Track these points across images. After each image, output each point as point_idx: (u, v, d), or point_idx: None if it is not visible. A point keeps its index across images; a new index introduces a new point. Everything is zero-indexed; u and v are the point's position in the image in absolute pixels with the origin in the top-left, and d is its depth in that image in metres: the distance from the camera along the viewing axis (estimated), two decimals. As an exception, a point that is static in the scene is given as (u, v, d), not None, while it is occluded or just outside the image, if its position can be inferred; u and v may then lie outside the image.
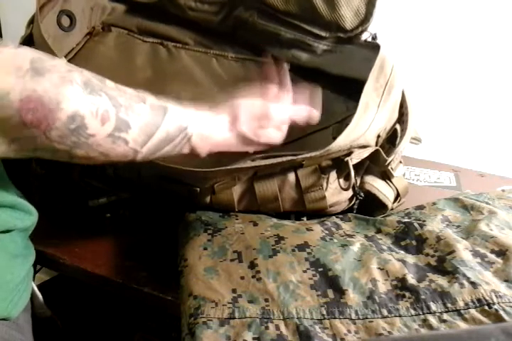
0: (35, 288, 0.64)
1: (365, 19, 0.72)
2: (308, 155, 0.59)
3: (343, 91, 0.78)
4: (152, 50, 0.87)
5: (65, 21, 0.79)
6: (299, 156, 0.59)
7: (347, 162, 0.63)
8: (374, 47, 0.67)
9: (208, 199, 0.65)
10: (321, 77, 0.79)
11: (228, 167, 0.59)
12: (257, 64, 0.84)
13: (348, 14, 0.72)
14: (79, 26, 0.81)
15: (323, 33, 0.75)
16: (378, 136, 0.65)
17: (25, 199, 0.58)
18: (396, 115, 0.68)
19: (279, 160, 0.60)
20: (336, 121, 0.75)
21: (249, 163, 0.61)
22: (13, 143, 0.44)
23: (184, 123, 0.51)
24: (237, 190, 0.65)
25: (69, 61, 0.78)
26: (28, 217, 0.58)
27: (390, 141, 0.68)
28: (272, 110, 0.58)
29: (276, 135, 0.60)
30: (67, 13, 0.78)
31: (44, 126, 0.43)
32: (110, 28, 0.88)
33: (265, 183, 0.65)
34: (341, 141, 0.59)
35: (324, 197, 0.65)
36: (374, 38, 0.74)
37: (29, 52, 0.43)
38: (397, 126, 0.67)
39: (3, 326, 0.55)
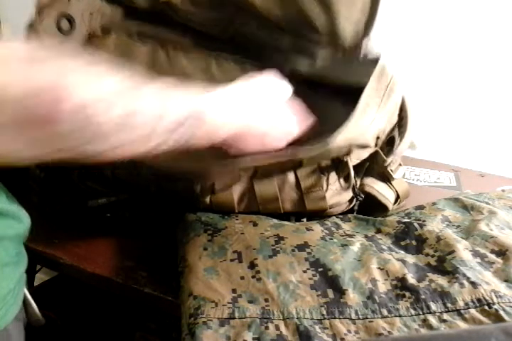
0: (29, 296, 0.61)
1: (365, 34, 0.73)
2: (309, 147, 0.59)
3: (340, 97, 0.79)
4: (151, 52, 0.88)
5: (65, 25, 0.79)
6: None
7: (346, 162, 0.63)
8: (373, 62, 0.67)
9: (207, 199, 0.65)
10: (320, 87, 0.80)
11: (227, 161, 0.59)
12: (256, 67, 0.84)
13: (348, 28, 0.74)
14: (78, 30, 0.82)
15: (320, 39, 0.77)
16: (378, 138, 0.65)
17: (18, 205, 0.55)
18: (395, 118, 0.69)
19: (278, 153, 0.60)
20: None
21: (249, 159, 0.61)
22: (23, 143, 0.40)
23: (192, 104, 0.48)
24: (236, 191, 0.65)
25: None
26: (19, 224, 0.55)
27: (389, 144, 0.68)
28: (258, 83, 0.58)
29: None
30: (67, 16, 0.78)
31: (52, 119, 0.39)
32: (110, 31, 0.88)
33: (265, 183, 0.65)
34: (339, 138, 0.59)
35: (324, 198, 0.65)
36: None
37: (21, 42, 0.41)
38: (395, 134, 0.68)
39: None
